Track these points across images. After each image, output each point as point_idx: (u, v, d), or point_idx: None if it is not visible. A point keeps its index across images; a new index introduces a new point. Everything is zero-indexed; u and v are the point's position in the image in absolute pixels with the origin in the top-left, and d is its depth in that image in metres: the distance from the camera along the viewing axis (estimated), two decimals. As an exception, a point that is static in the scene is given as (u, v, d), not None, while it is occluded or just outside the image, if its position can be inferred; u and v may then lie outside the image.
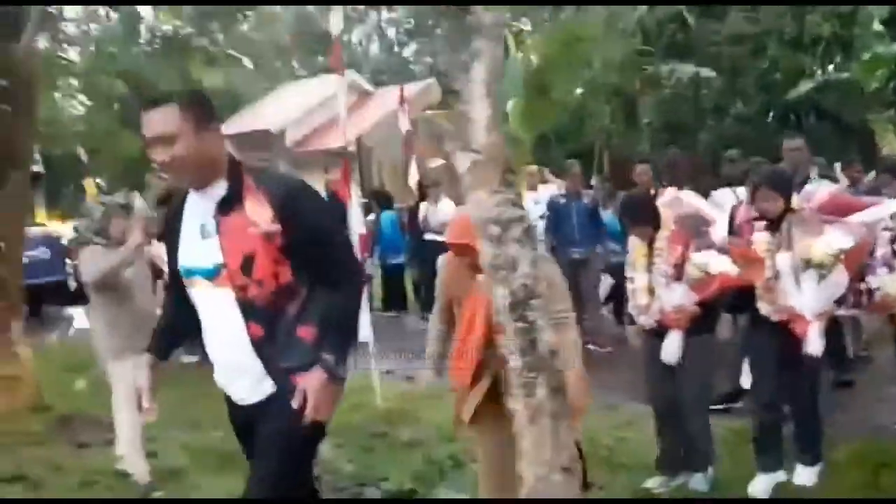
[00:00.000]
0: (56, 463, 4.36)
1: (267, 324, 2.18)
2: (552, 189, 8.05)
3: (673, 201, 5.31)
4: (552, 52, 9.47)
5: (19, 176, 5.09)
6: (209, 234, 2.21)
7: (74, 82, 17.88)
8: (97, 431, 4.93)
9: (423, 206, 8.69)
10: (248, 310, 2.17)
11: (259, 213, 2.15)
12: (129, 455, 4.03)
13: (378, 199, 9.23)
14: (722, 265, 3.49)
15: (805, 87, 11.68)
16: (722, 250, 3.58)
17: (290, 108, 20.86)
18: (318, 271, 2.23)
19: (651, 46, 11.28)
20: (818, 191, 4.27)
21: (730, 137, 15.54)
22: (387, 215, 9.21)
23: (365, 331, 5.18)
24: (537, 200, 7.81)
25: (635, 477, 3.91)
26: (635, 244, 3.88)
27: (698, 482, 3.74)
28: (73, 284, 11.79)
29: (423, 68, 30.63)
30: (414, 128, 19.00)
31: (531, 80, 10.59)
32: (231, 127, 22.98)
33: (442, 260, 3.18)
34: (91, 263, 4.02)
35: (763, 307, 3.58)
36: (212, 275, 2.20)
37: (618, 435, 4.51)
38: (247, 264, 2.15)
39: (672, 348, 3.67)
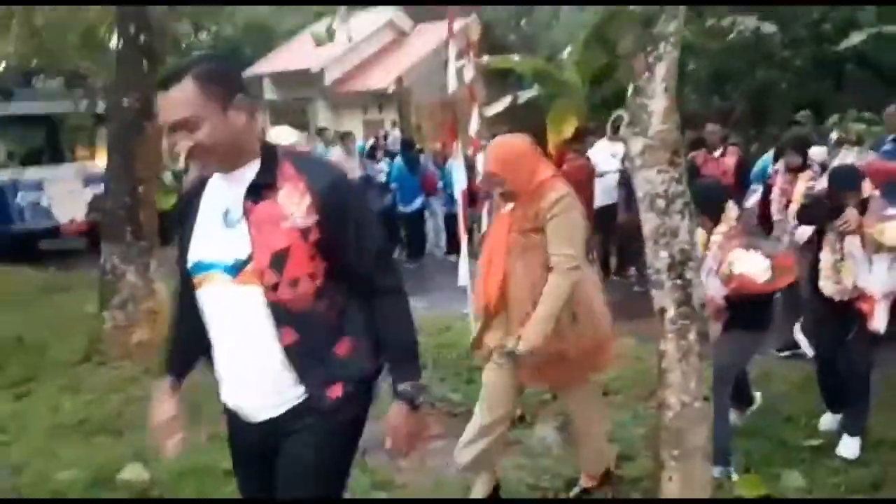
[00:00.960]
0: (206, 387, 4.94)
1: (303, 330, 1.92)
2: None
3: None
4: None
5: (152, 126, 5.59)
6: (234, 222, 1.92)
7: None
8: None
9: (479, 158, 9.05)
10: (281, 313, 1.90)
11: (295, 204, 1.89)
12: None
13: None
14: (746, 267, 3.47)
15: (857, 38, 11.82)
16: (768, 255, 3.55)
17: (329, 47, 20.68)
18: (358, 277, 1.99)
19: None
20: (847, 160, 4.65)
21: (772, 85, 15.71)
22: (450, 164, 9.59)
23: (464, 276, 5.70)
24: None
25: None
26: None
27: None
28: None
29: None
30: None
31: (592, 31, 10.81)
32: (269, 65, 23.34)
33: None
34: None
35: (827, 287, 3.85)
36: (234, 270, 1.90)
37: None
38: (278, 261, 1.88)
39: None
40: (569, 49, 11.80)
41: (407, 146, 9.57)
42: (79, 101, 9.41)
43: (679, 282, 2.75)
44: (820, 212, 4.07)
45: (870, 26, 12.23)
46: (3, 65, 10.48)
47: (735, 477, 3.44)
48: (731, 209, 3.73)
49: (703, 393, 2.83)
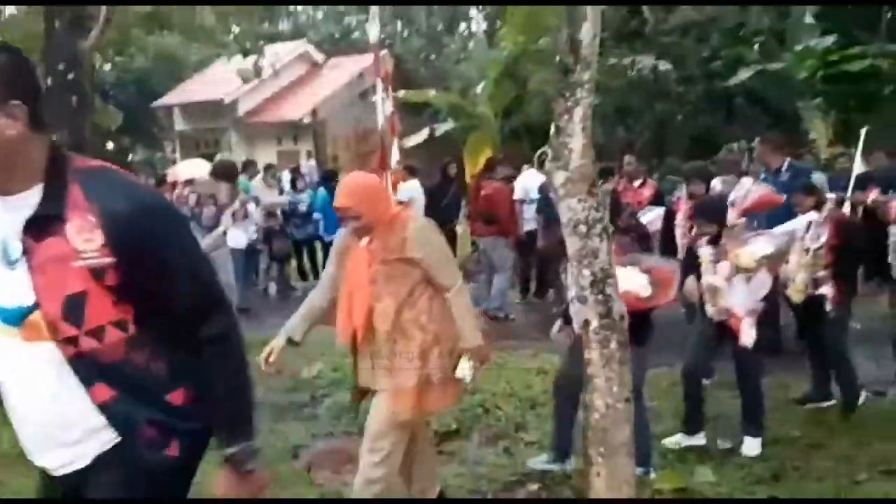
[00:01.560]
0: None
1: (120, 384, 1.63)
2: (415, 184, 8.86)
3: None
4: (524, 41, 10.27)
5: (83, 161, 5.62)
6: (13, 261, 1.58)
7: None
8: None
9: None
10: (88, 369, 1.60)
11: (86, 239, 1.56)
12: None
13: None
14: (628, 283, 3.48)
15: (745, 74, 12.83)
16: (647, 269, 3.61)
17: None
18: (175, 324, 1.69)
19: (604, 35, 12.18)
20: (750, 192, 5.19)
21: (669, 118, 16.77)
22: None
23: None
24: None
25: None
26: None
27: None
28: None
29: (365, 36, 31.22)
30: (369, 105, 19.48)
31: (503, 67, 11.39)
32: (180, 96, 23.08)
33: (341, 231, 3.39)
34: None
35: (709, 310, 4.23)
36: (17, 319, 1.59)
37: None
38: (73, 308, 1.56)
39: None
40: (482, 84, 12.35)
41: (329, 177, 9.78)
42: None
43: (601, 297, 3.10)
44: (692, 261, 4.51)
45: (756, 64, 13.33)
46: None
47: (653, 475, 3.80)
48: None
49: (624, 395, 3.17)
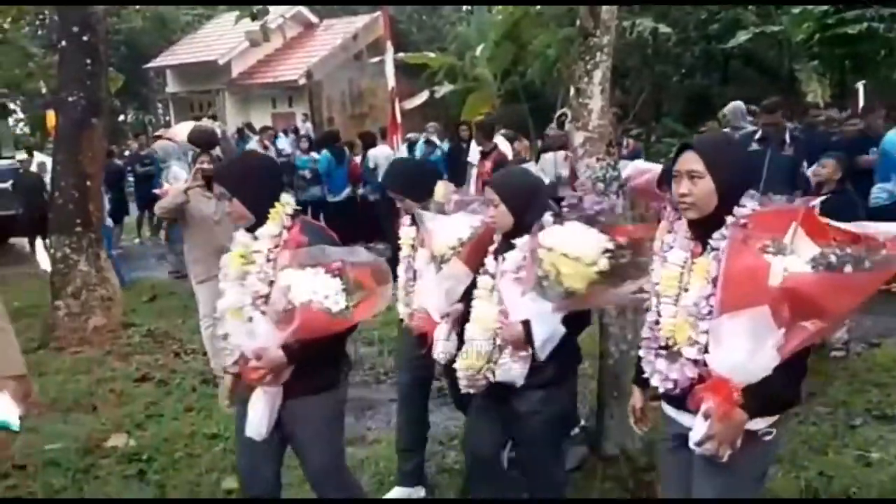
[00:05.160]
0: (169, 367, 5.19)
1: None
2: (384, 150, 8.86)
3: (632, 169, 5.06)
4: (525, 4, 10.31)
5: (99, 122, 5.75)
6: None
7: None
8: (177, 343, 5.80)
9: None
10: None
11: None
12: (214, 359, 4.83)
13: (365, 140, 9.94)
14: (309, 293, 2.26)
15: (742, 37, 12.89)
16: (337, 270, 2.32)
17: (235, 38, 20.40)
18: None
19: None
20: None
21: (665, 80, 16.84)
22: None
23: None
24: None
25: None
26: (238, 240, 2.55)
27: None
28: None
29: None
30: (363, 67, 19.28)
31: (502, 29, 11.41)
32: (173, 58, 22.90)
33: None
34: (163, 200, 4.58)
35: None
36: None
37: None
38: None
39: (255, 418, 2.40)
40: (482, 46, 12.38)
41: (332, 139, 9.84)
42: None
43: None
44: None
45: (753, 26, 13.38)
46: None
47: None
48: (288, 200, 2.51)
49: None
